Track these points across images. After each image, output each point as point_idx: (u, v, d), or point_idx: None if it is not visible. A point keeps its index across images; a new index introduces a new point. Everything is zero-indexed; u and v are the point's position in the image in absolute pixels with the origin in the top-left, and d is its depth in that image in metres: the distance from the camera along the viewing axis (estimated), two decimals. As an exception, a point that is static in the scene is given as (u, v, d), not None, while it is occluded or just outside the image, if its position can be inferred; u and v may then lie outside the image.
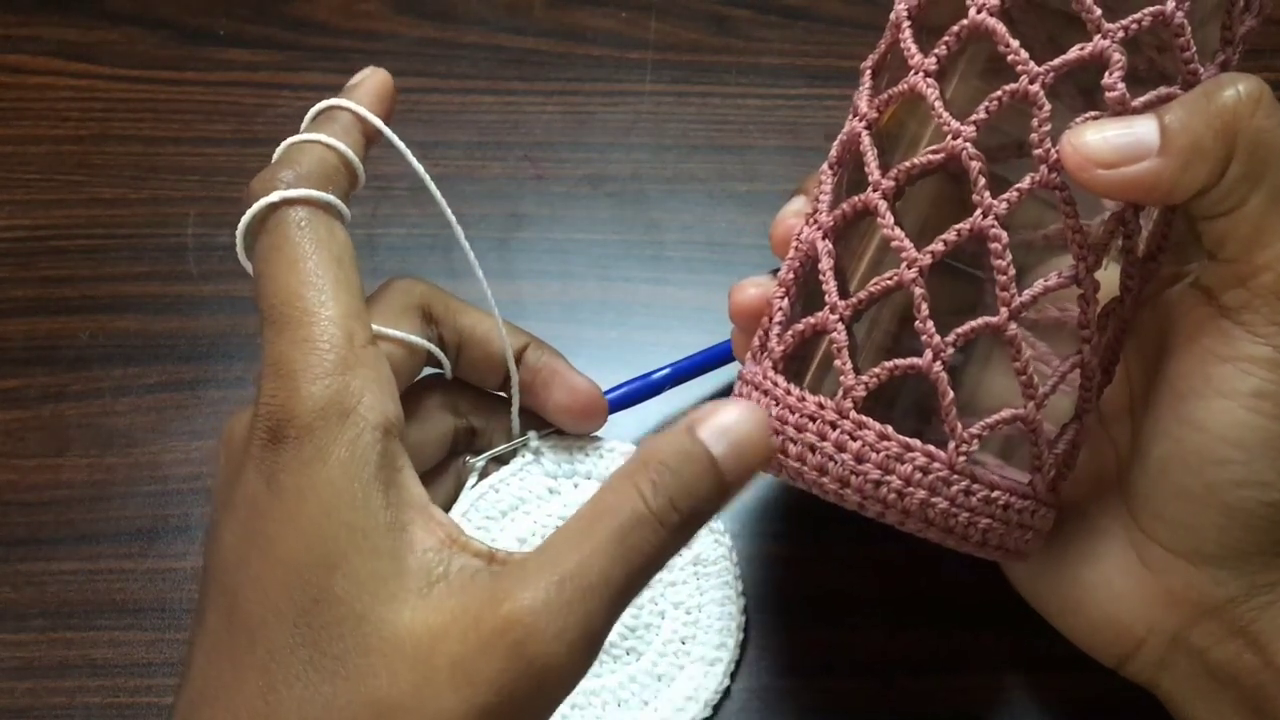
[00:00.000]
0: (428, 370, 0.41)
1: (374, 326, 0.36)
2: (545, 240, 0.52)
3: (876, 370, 0.34)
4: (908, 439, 0.34)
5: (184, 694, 0.31)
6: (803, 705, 0.43)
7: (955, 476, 0.34)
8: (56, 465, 0.47)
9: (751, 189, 0.54)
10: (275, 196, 0.34)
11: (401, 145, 0.37)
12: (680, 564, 0.42)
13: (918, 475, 0.34)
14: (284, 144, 0.36)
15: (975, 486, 0.34)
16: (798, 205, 0.39)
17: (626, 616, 0.40)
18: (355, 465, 0.31)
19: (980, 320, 0.34)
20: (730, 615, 0.42)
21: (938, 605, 0.44)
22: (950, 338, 0.34)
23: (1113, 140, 0.32)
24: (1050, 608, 0.39)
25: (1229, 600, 0.35)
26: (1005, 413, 0.34)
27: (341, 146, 0.36)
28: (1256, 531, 0.35)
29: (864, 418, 0.34)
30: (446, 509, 0.41)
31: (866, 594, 0.44)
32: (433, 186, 0.38)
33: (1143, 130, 0.33)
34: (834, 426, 0.34)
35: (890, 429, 0.34)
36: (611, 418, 0.43)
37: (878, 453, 0.34)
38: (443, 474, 0.42)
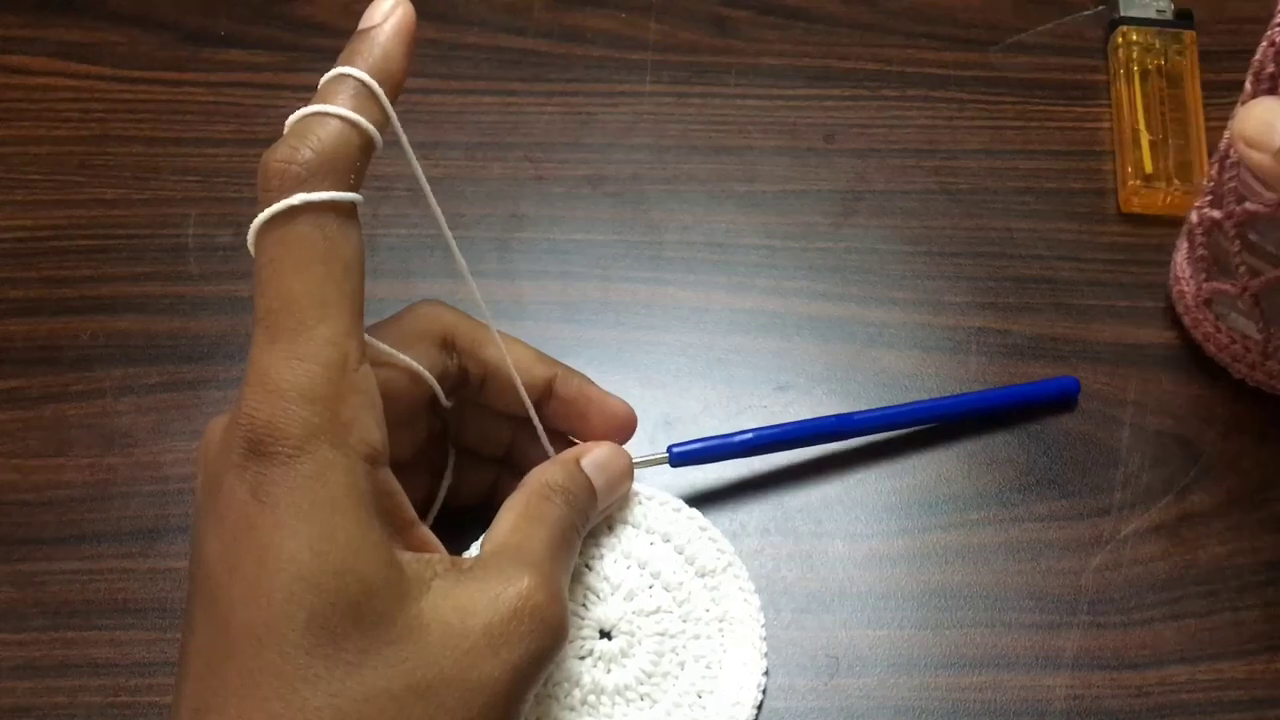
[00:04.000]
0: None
1: (381, 346, 0.37)
2: (545, 240, 0.52)
3: None
4: None
5: (184, 703, 0.31)
6: None
7: None
8: (57, 465, 0.47)
9: (751, 189, 0.54)
10: (297, 199, 0.32)
11: (404, 138, 0.35)
12: (707, 619, 0.42)
13: None
14: (300, 113, 0.33)
15: None
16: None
17: (645, 663, 0.41)
18: (355, 492, 0.32)
19: None
20: (751, 676, 0.42)
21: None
22: None
23: None
24: None
25: None
26: None
27: (364, 123, 0.33)
28: None
29: None
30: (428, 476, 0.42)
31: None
32: (422, 178, 0.36)
33: None
34: None
35: None
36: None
37: None
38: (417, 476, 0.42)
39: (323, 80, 0.34)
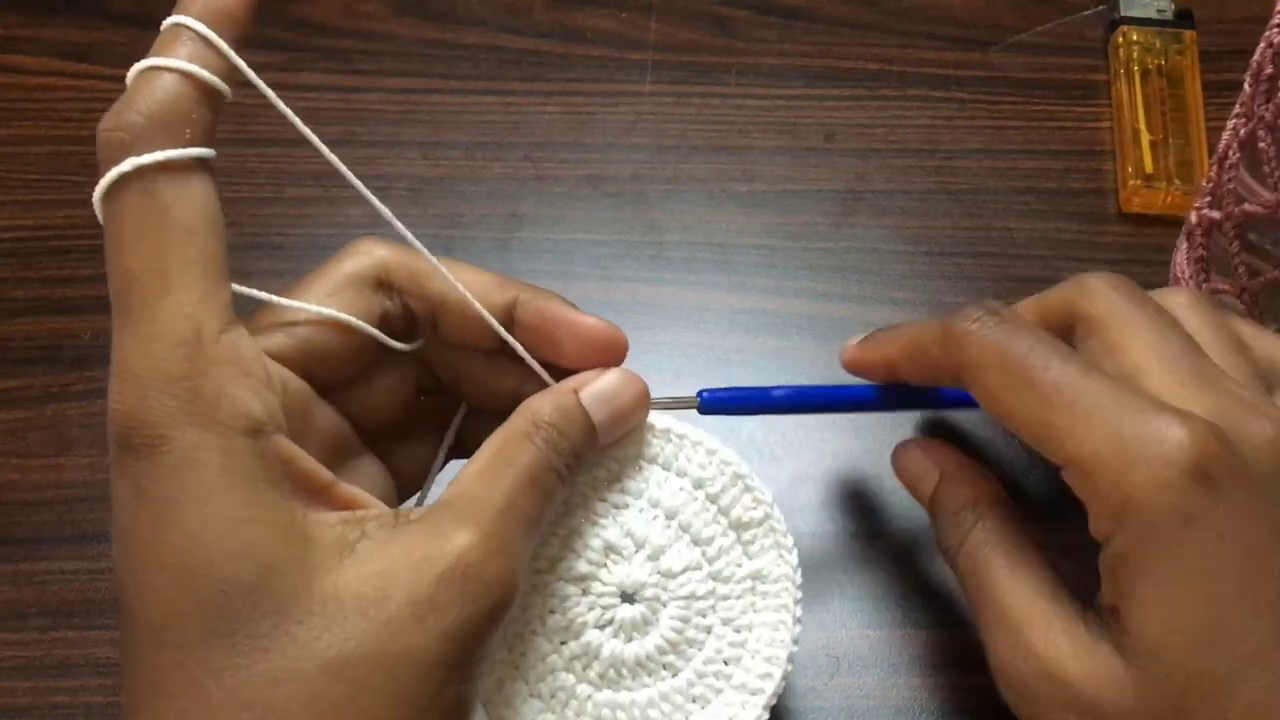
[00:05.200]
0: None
1: (283, 302, 0.34)
2: (545, 240, 0.52)
3: None
4: None
5: (125, 705, 0.31)
6: None
7: None
8: (58, 465, 0.47)
9: (751, 189, 0.54)
10: (126, 166, 0.30)
11: (261, 83, 0.33)
12: (738, 576, 0.38)
13: None
14: (134, 70, 0.31)
15: None
16: None
17: (669, 630, 0.37)
18: (232, 471, 0.29)
19: None
20: (782, 643, 0.38)
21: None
22: None
23: None
24: None
25: None
26: None
27: (199, 72, 0.30)
28: None
29: None
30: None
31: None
32: (292, 117, 0.34)
33: None
34: None
35: None
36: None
37: None
38: (423, 436, 0.39)
39: (161, 29, 0.31)
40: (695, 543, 0.38)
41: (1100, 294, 0.37)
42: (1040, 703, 0.33)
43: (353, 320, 0.34)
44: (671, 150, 0.55)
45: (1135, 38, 0.56)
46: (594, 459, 0.37)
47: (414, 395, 0.38)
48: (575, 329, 0.36)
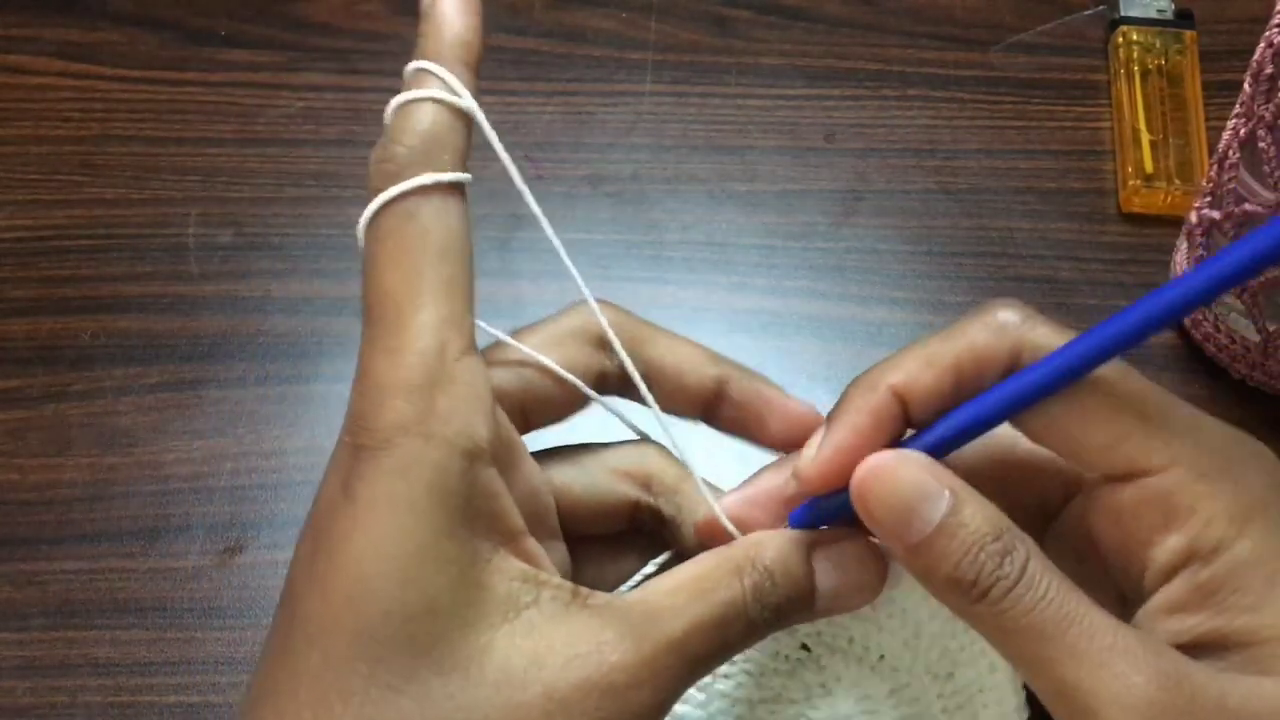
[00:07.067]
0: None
1: (514, 344, 0.34)
2: (545, 240, 0.52)
3: None
4: None
5: (251, 689, 0.30)
6: None
7: None
8: (58, 465, 0.47)
9: (751, 189, 0.54)
10: (389, 194, 0.31)
11: (488, 129, 0.34)
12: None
13: None
14: (392, 105, 0.32)
15: None
16: None
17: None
18: (439, 491, 0.29)
19: None
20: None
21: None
22: None
23: None
24: None
25: None
26: None
27: (449, 98, 0.33)
28: None
29: None
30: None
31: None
32: (506, 157, 0.35)
33: None
34: None
35: None
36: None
37: None
38: (620, 549, 0.36)
39: (405, 74, 0.34)
40: (899, 702, 0.34)
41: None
42: None
43: (553, 365, 0.34)
44: (671, 150, 0.55)
45: (1135, 38, 0.56)
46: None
47: (625, 518, 0.36)
48: (784, 411, 0.35)
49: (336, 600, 0.28)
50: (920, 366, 0.31)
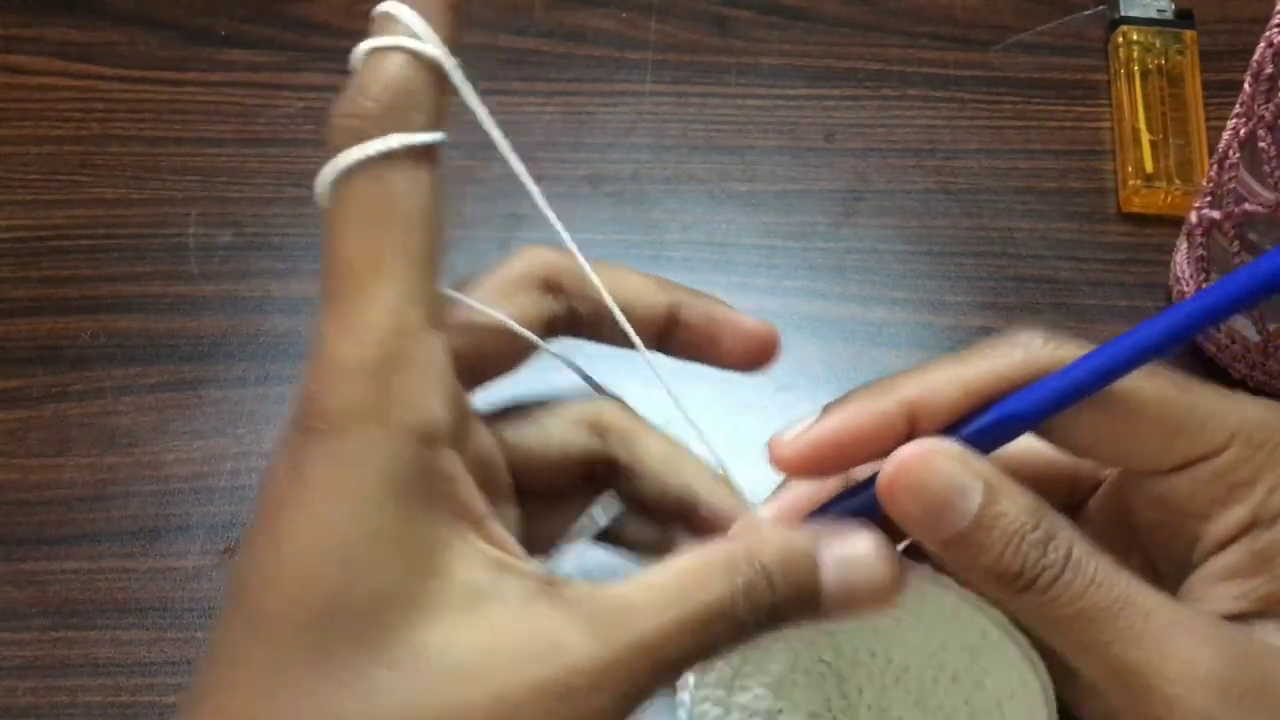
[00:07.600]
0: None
1: (463, 300, 0.32)
2: (545, 240, 0.52)
3: None
4: None
5: (191, 689, 0.29)
6: None
7: None
8: (58, 465, 0.47)
9: (751, 189, 0.54)
10: (345, 162, 0.28)
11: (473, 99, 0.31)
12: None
13: None
14: (360, 51, 0.29)
15: None
16: None
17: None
18: (394, 478, 0.27)
19: None
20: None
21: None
22: None
23: None
24: None
25: None
26: None
27: (427, 49, 0.29)
28: None
29: None
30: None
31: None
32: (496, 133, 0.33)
33: None
34: None
35: None
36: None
37: None
38: (573, 504, 0.35)
39: (374, 11, 0.30)
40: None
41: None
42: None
43: (504, 318, 0.32)
44: (671, 150, 0.55)
45: (1135, 37, 0.56)
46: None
47: (581, 470, 0.34)
48: (737, 328, 0.34)
49: (284, 587, 0.27)
50: (941, 383, 0.29)
